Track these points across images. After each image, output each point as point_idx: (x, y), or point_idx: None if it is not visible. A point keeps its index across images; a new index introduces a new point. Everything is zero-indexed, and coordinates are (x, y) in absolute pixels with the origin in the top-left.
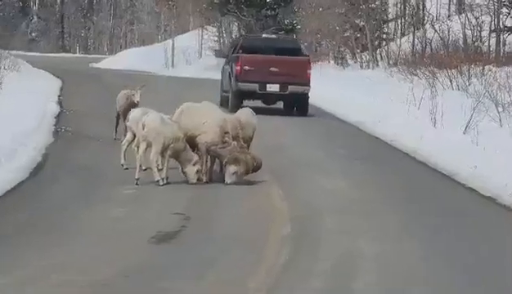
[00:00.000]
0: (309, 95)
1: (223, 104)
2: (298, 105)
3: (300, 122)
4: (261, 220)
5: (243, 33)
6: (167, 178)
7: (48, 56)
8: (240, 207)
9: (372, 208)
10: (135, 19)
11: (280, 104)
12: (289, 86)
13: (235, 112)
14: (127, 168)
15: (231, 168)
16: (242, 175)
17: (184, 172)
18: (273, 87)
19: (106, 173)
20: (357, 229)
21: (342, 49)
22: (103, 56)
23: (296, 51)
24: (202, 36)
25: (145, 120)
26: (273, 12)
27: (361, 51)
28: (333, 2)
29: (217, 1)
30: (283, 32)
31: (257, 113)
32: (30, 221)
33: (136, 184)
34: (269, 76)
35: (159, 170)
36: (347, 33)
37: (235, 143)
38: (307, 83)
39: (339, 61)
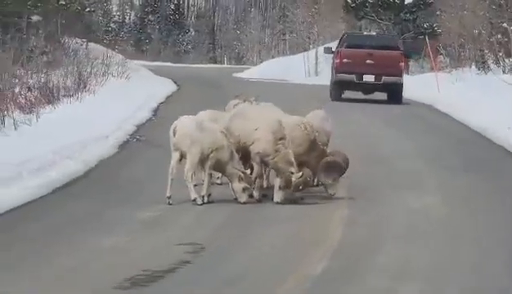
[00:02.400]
0: (403, 85)
1: (331, 95)
2: (391, 94)
3: (411, 129)
4: (292, 255)
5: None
6: (208, 196)
7: (191, 67)
8: (277, 235)
9: (456, 235)
10: (286, 29)
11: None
12: (383, 77)
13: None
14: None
15: (276, 183)
16: (290, 191)
17: (232, 189)
18: (369, 78)
19: (145, 191)
20: (418, 268)
21: (485, 53)
22: (247, 67)
23: (392, 47)
24: None
25: (177, 125)
26: (412, 16)
27: (507, 56)
28: (478, 5)
29: (353, 4)
30: (422, 36)
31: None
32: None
33: (169, 203)
34: (365, 68)
35: (196, 185)
36: (492, 38)
37: (287, 151)
38: (400, 74)
39: (481, 66)
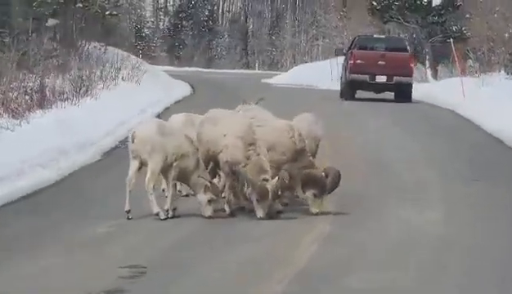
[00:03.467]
0: (412, 85)
1: (342, 95)
2: (402, 93)
3: (422, 133)
4: (247, 278)
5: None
6: (174, 209)
7: (220, 72)
8: (238, 255)
9: (451, 265)
10: (319, 34)
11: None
12: (395, 77)
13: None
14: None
15: (252, 196)
16: (268, 202)
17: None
18: (381, 78)
19: (113, 203)
20: None
21: None
22: (278, 73)
23: (402, 49)
24: None
25: (136, 129)
26: (440, 19)
27: None
28: (508, 8)
29: (378, 7)
30: (450, 39)
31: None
32: None
33: (128, 218)
34: (378, 68)
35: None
36: None
37: (259, 157)
38: (410, 75)
39: (510, 71)
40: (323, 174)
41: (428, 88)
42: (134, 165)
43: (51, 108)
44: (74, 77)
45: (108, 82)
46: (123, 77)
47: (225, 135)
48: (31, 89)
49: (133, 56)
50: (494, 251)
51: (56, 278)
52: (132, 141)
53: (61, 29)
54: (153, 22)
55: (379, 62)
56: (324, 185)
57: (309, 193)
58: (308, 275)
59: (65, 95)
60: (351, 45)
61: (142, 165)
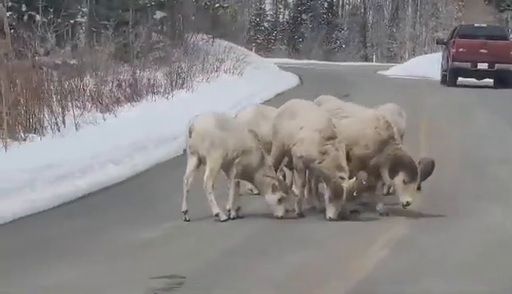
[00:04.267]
0: None
1: (443, 81)
2: (504, 80)
3: None
4: (299, 287)
5: None
6: (237, 209)
7: (336, 65)
8: (292, 264)
9: None
10: (439, 26)
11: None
12: (496, 65)
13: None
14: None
15: (326, 193)
16: (342, 202)
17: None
18: (483, 65)
19: (172, 204)
20: None
21: None
22: (393, 64)
23: (503, 37)
24: None
25: (194, 122)
26: None
27: None
28: None
29: None
30: None
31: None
32: None
33: (185, 220)
34: (479, 56)
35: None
36: None
37: (337, 153)
38: (511, 62)
39: None
40: (409, 156)
41: None
42: (192, 162)
43: (140, 101)
44: (171, 70)
45: (208, 75)
46: (225, 70)
47: (302, 128)
48: (124, 82)
49: (243, 48)
50: None
51: (79, 288)
52: (190, 136)
53: (168, 22)
54: (272, 15)
55: (481, 50)
56: (414, 169)
57: (398, 180)
58: (373, 283)
59: (156, 89)
60: (452, 34)
61: (201, 162)
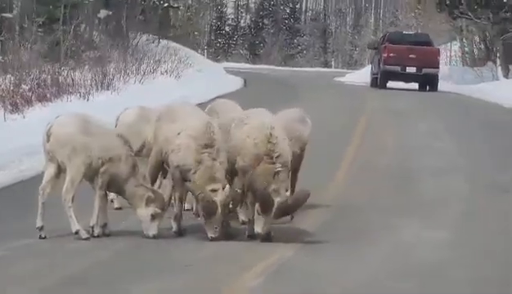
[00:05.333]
0: (438, 76)
1: (373, 84)
2: (429, 84)
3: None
4: None
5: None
6: (103, 226)
7: (291, 70)
8: (146, 289)
9: None
10: None
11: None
12: (423, 69)
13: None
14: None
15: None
16: (218, 219)
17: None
18: (411, 69)
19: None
20: None
21: None
22: (351, 71)
23: (428, 43)
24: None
25: (53, 125)
26: None
27: None
28: None
29: (447, 2)
30: None
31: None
32: None
33: (41, 237)
34: (408, 61)
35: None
36: None
37: (213, 163)
38: (437, 67)
39: None
40: (272, 188)
41: (497, 86)
42: (50, 170)
43: (54, 102)
44: (99, 70)
45: (143, 76)
46: (162, 72)
47: (179, 134)
48: (45, 81)
49: (191, 51)
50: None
51: None
52: (47, 140)
53: (113, 21)
54: (233, 19)
55: (410, 55)
56: (267, 203)
57: (257, 206)
58: None
59: (76, 89)
60: (382, 40)
61: (59, 170)
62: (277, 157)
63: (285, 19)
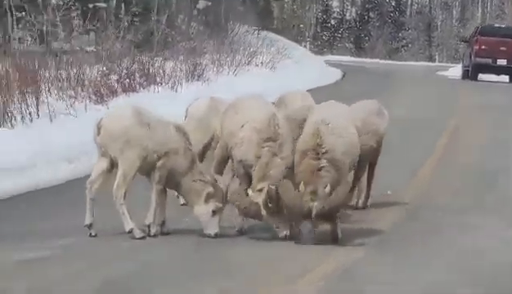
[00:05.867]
0: None
1: (464, 77)
2: None
3: None
4: None
5: None
6: (162, 224)
7: (395, 63)
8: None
9: None
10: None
11: None
12: None
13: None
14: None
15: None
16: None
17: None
18: (502, 62)
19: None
20: None
21: None
22: (451, 65)
23: None
24: None
25: (105, 117)
26: None
27: None
28: None
29: None
30: None
31: None
32: None
33: (90, 235)
34: (499, 53)
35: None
36: None
37: (272, 159)
38: None
39: None
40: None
41: None
42: (101, 164)
43: (140, 92)
44: (188, 61)
45: (237, 67)
46: (256, 63)
47: (243, 126)
48: (135, 72)
49: (292, 43)
50: None
51: None
52: (98, 133)
53: (212, 12)
54: (339, 12)
55: (501, 48)
56: (300, 213)
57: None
58: None
59: (165, 80)
60: (474, 33)
61: (111, 165)
62: (324, 153)
63: (391, 12)
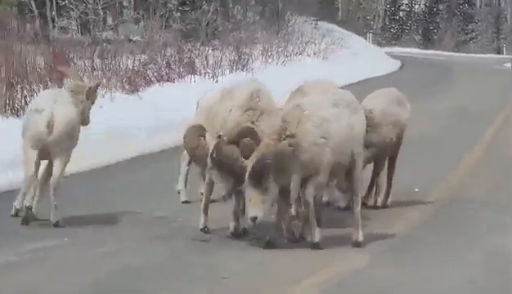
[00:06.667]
0: None
1: None
2: None
3: None
4: None
5: None
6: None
7: (460, 56)
8: None
9: None
10: None
11: None
12: None
13: None
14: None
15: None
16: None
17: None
18: None
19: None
20: None
21: None
22: None
23: None
24: None
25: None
26: None
27: None
28: None
29: None
30: None
31: None
32: None
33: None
34: None
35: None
36: None
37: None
38: None
39: None
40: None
41: None
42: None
43: (176, 82)
44: (233, 50)
45: (286, 57)
46: (308, 53)
47: (230, 111)
48: (175, 61)
49: (349, 33)
50: None
51: None
52: None
53: (269, 2)
54: (407, 5)
55: None
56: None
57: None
58: None
59: (205, 69)
60: None
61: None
62: (288, 136)
63: (460, 4)
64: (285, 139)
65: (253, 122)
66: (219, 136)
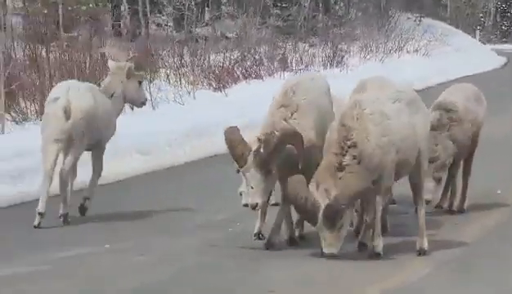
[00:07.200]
0: None
1: None
2: None
3: None
4: None
5: None
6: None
7: None
8: None
9: None
10: None
11: None
12: None
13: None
14: None
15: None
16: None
17: None
18: None
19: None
20: None
21: None
22: None
23: None
24: None
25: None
26: None
27: None
28: None
29: None
30: None
31: None
32: None
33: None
34: None
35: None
36: None
37: None
38: None
39: None
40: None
41: None
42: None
43: (266, 79)
44: (329, 46)
45: (384, 55)
46: (408, 50)
47: None
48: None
49: (453, 28)
50: None
51: None
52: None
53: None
54: None
55: None
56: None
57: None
58: None
59: (297, 66)
60: None
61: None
62: (350, 147)
63: None
64: (347, 151)
65: (285, 120)
66: (259, 140)
